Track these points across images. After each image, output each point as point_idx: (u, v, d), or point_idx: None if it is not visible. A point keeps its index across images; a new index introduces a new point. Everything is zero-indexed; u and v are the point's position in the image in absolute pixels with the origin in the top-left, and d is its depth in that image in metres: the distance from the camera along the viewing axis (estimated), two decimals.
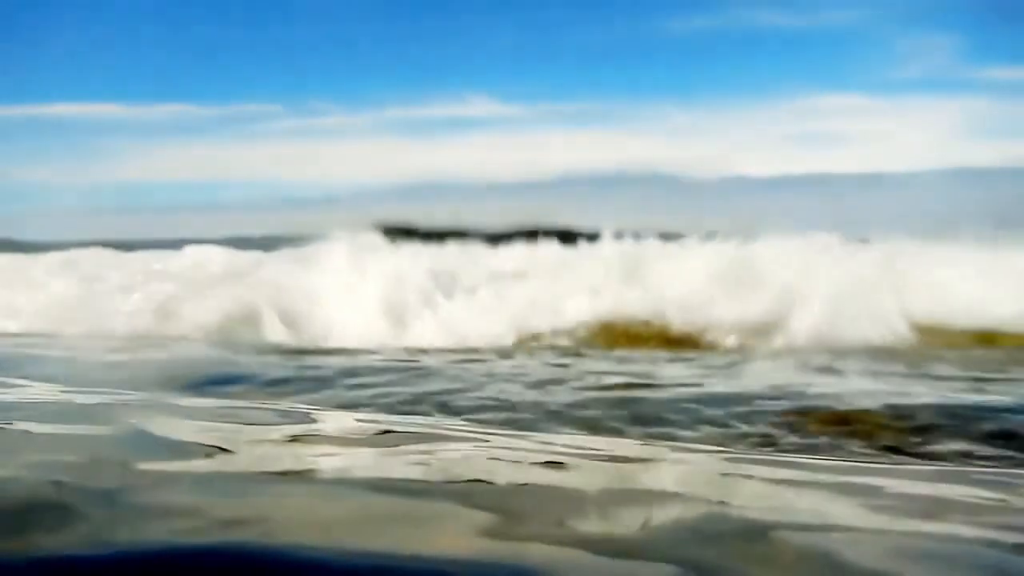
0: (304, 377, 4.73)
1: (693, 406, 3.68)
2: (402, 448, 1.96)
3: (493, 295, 8.57)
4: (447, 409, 3.68)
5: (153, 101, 38.05)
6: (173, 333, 8.11)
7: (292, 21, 39.60)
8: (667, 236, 9.64)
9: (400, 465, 1.79)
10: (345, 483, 1.58)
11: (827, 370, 5.15)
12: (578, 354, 6.51)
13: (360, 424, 2.49)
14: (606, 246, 9.64)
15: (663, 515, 1.37)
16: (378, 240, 9.98)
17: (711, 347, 7.30)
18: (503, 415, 3.52)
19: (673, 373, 5.09)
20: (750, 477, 1.81)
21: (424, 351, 6.61)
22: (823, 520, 1.42)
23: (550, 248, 10.16)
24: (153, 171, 36.35)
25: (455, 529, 1.24)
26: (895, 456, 2.94)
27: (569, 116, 36.33)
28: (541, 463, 1.84)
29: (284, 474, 1.60)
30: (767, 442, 3.08)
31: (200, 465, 1.63)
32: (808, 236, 9.18)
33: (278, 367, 5.13)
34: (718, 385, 4.41)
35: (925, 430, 3.23)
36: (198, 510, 1.29)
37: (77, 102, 37.22)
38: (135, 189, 33.45)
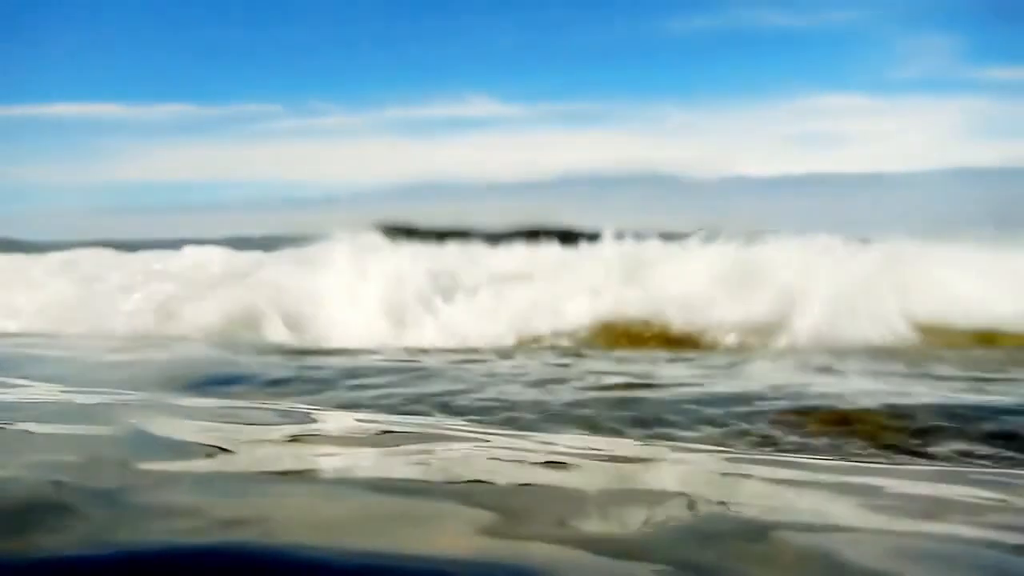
0: (304, 377, 4.73)
1: (693, 406, 3.67)
2: (402, 448, 1.96)
3: (493, 295, 8.56)
4: (447, 409, 3.68)
5: (153, 101, 38.10)
6: (173, 333, 8.11)
7: (292, 21, 39.67)
8: (667, 236, 9.63)
9: (400, 465, 1.79)
10: (345, 483, 1.58)
11: (827, 370, 5.15)
12: (578, 354, 6.51)
13: (360, 424, 2.49)
14: (606, 246, 9.63)
15: (663, 515, 1.37)
16: (379, 240, 9.97)
17: (711, 347, 7.30)
18: (503, 415, 3.52)
19: (673, 373, 5.09)
20: (750, 477, 1.81)
21: (424, 351, 6.61)
22: (823, 520, 1.42)
23: (550, 248, 10.15)
24: (153, 171, 36.38)
25: (455, 529, 1.24)
26: (895, 456, 2.94)
27: (569, 116, 36.40)
28: (541, 463, 1.85)
29: (284, 474, 1.60)
30: (767, 442, 3.08)
31: (200, 465, 1.63)
32: (808, 236, 9.17)
33: (278, 367, 5.13)
34: (718, 385, 4.41)
35: (925, 430, 3.23)
36: (198, 510, 1.29)
37: (77, 102, 37.29)
38: (135, 189, 33.50)
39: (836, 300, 7.53)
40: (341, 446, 2.01)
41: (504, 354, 6.40)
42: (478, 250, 10.32)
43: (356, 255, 9.24)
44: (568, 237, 10.23)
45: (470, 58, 38.98)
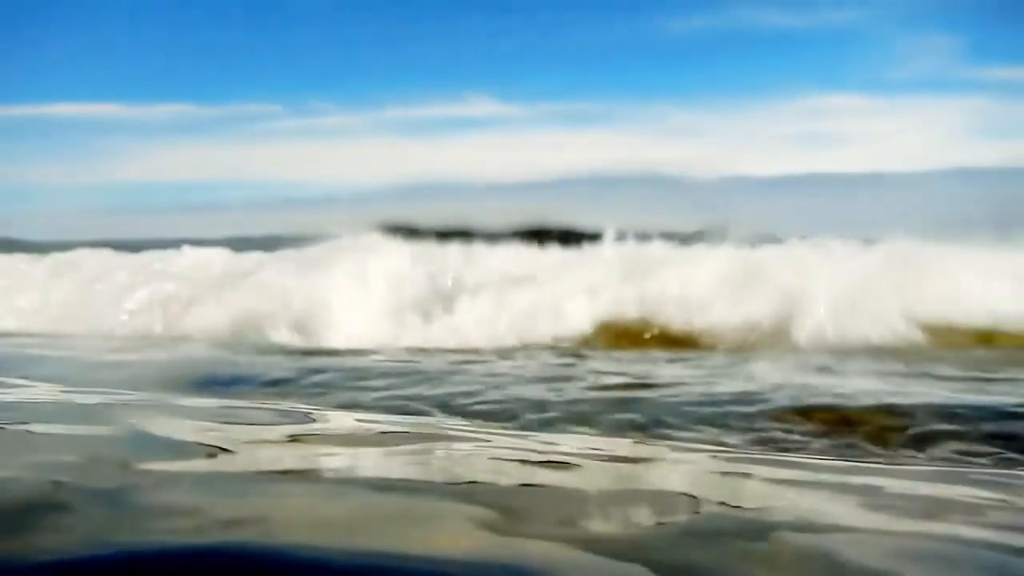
0: (305, 378, 4.73)
1: (694, 406, 3.67)
2: (403, 448, 1.96)
3: (494, 296, 8.56)
4: (448, 409, 3.68)
5: (153, 101, 38.09)
6: (174, 333, 8.11)
7: (292, 22, 39.69)
8: (668, 236, 9.63)
9: (400, 465, 1.79)
10: (346, 483, 1.58)
11: (827, 370, 5.14)
12: (579, 355, 6.51)
13: (361, 424, 2.49)
14: (607, 247, 9.63)
15: (663, 515, 1.37)
16: (379, 240, 9.97)
17: (712, 347, 7.30)
18: (504, 416, 3.52)
19: (674, 373, 5.09)
20: (750, 477, 1.81)
21: (425, 351, 6.62)
22: (823, 520, 1.42)
23: (551, 249, 10.15)
24: (153, 171, 36.38)
25: (456, 529, 1.24)
26: (895, 456, 2.94)
27: (569, 116, 36.40)
28: (541, 463, 1.85)
29: (284, 474, 1.60)
30: (767, 442, 3.08)
31: (200, 465, 1.63)
32: (808, 236, 9.18)
33: (279, 367, 5.13)
34: (719, 385, 4.41)
35: (925, 430, 3.23)
36: (198, 510, 1.29)
37: (77, 102, 37.26)
38: (135, 189, 33.48)
39: (836, 300, 7.53)
40: (341, 446, 2.01)
41: (505, 354, 6.40)
42: (479, 250, 10.31)
43: (357, 255, 9.24)
44: (569, 237, 10.23)
45: (470, 58, 38.99)
